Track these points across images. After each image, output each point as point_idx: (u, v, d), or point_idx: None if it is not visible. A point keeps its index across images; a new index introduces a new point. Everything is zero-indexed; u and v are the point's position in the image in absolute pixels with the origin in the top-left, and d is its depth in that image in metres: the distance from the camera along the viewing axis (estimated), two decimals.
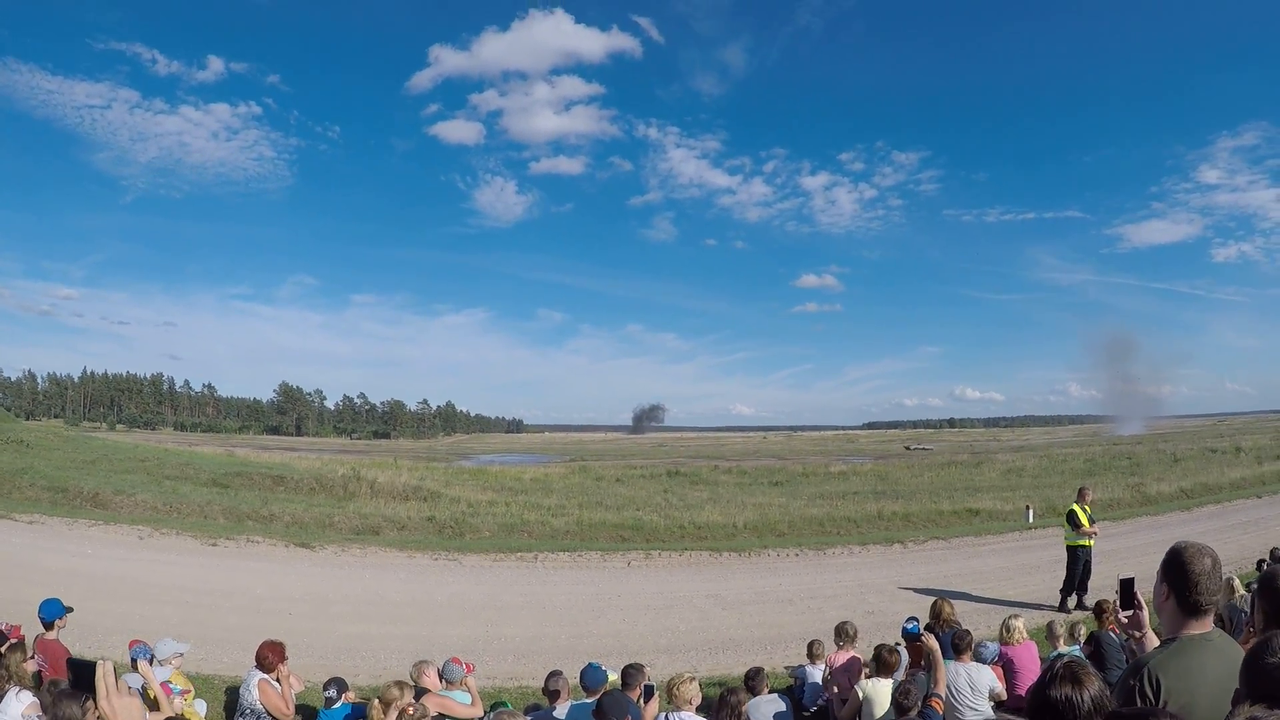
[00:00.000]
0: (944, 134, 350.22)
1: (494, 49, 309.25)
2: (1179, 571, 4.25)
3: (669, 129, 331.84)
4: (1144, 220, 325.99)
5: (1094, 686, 3.46)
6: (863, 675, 11.65)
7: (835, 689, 11.95)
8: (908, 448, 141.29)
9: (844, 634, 12.74)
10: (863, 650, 12.90)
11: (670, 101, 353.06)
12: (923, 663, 11.38)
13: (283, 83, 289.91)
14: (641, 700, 9.37)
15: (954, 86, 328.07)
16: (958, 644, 11.08)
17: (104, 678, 3.16)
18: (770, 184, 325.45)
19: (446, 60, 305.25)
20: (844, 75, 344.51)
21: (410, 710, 8.28)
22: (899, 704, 9.12)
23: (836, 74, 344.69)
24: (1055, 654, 11.99)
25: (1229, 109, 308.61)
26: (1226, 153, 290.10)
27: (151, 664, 10.15)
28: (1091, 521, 20.67)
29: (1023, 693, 11.84)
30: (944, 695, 9.72)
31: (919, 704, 9.07)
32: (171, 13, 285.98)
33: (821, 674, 12.83)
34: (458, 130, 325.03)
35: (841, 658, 12.34)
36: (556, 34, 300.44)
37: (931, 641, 10.21)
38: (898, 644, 12.18)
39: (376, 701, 9.14)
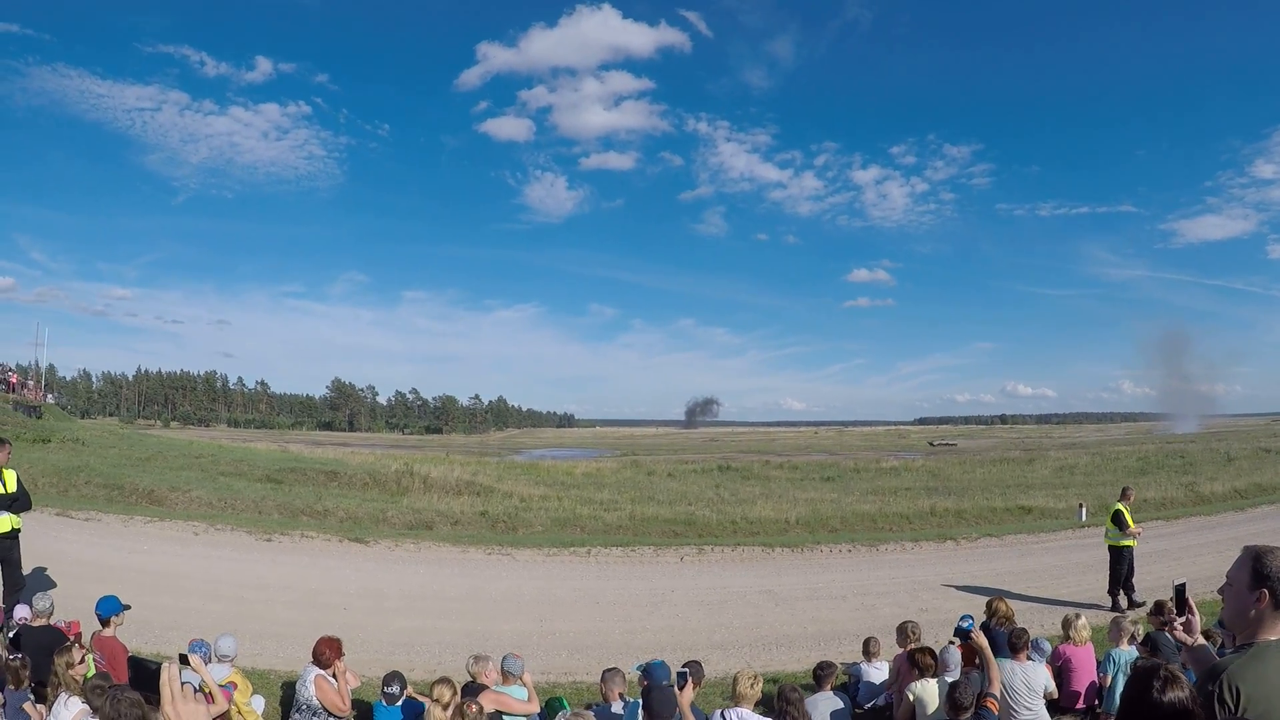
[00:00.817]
0: (996, 127, 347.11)
1: (542, 45, 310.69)
2: (1268, 576, 4.10)
3: (719, 123, 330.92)
4: (1198, 215, 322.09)
5: (1189, 690, 3.49)
6: (914, 675, 11.60)
7: (898, 688, 11.88)
8: (931, 444, 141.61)
9: (905, 633, 12.67)
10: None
11: (720, 95, 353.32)
12: (976, 661, 11.28)
13: (331, 82, 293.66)
14: (676, 687, 9.33)
15: (1005, 80, 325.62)
16: (1014, 642, 10.99)
17: (170, 682, 3.08)
18: (821, 178, 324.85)
19: (495, 57, 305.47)
20: (894, 68, 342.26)
21: (471, 708, 8.26)
22: (955, 702, 9.04)
23: (886, 66, 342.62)
24: (1109, 654, 11.90)
25: None
26: None
27: (209, 661, 10.21)
28: (1134, 522, 20.60)
29: (1079, 691, 11.74)
30: (998, 695, 9.63)
31: (974, 704, 8.98)
32: (218, 15, 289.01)
33: (878, 672, 12.78)
34: (507, 127, 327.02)
35: (906, 657, 12.26)
36: (604, 29, 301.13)
37: (981, 640, 10.12)
38: (951, 642, 12.07)
39: (432, 702, 9.13)
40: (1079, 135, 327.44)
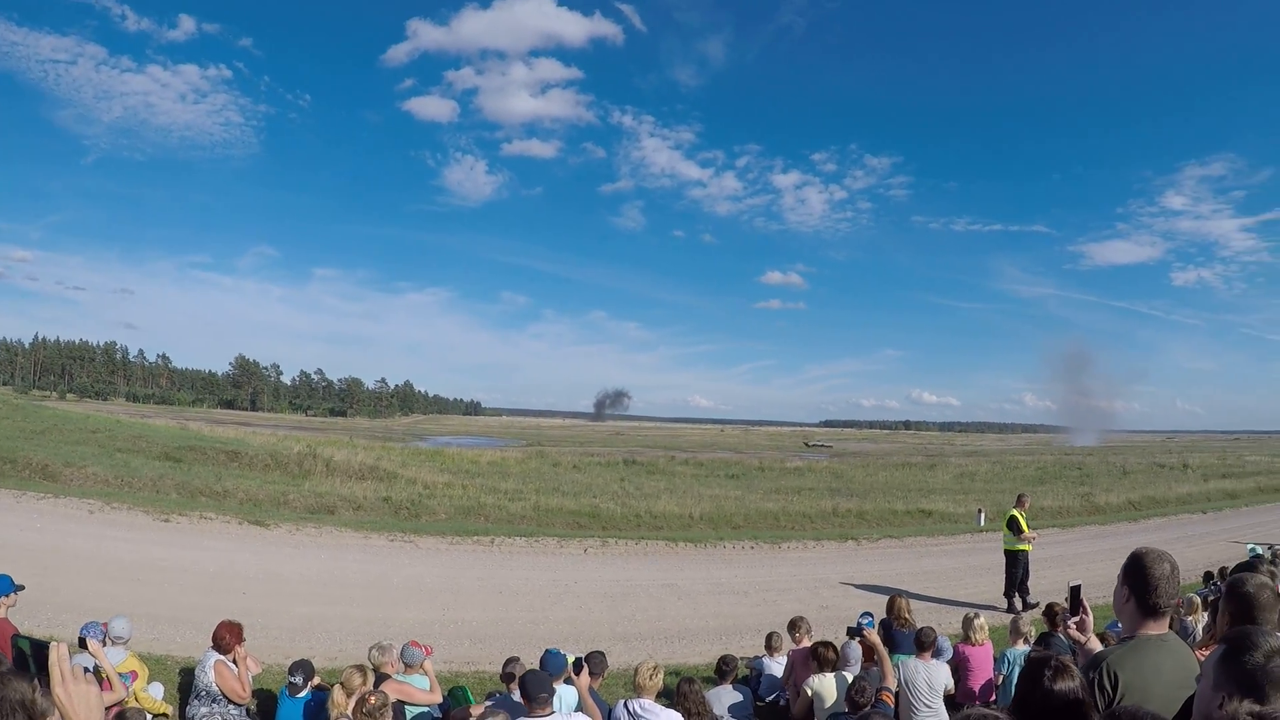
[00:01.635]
0: (917, 142, 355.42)
1: (474, 26, 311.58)
2: (1139, 575, 4.42)
3: (644, 117, 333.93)
4: (1108, 240, 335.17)
5: (1080, 679, 3.67)
6: (812, 670, 11.74)
7: (795, 682, 11.98)
8: (807, 444, 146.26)
9: (795, 627, 12.90)
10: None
11: (647, 90, 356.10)
12: (874, 657, 11.45)
13: (255, 47, 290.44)
14: (571, 671, 9.37)
15: (930, 95, 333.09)
16: (922, 641, 11.16)
17: (59, 662, 2.86)
18: (742, 179, 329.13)
19: (424, 35, 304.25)
20: (822, 76, 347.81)
21: (372, 699, 8.18)
22: (853, 700, 9.20)
23: (815, 74, 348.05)
24: (1005, 653, 12.14)
25: (1200, 138, 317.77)
26: (1194, 181, 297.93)
27: (104, 644, 10.01)
28: (1029, 528, 21.19)
29: (975, 689, 11.96)
30: (893, 688, 9.83)
31: (874, 699, 9.13)
32: None
33: (780, 666, 12.91)
34: (431, 106, 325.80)
35: (798, 652, 12.38)
36: (538, 15, 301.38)
37: (874, 638, 10.37)
38: (845, 642, 12.23)
39: (339, 688, 9.04)
40: (997, 155, 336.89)
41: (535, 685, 7.79)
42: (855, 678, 9.76)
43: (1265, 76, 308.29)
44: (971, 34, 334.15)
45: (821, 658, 10.89)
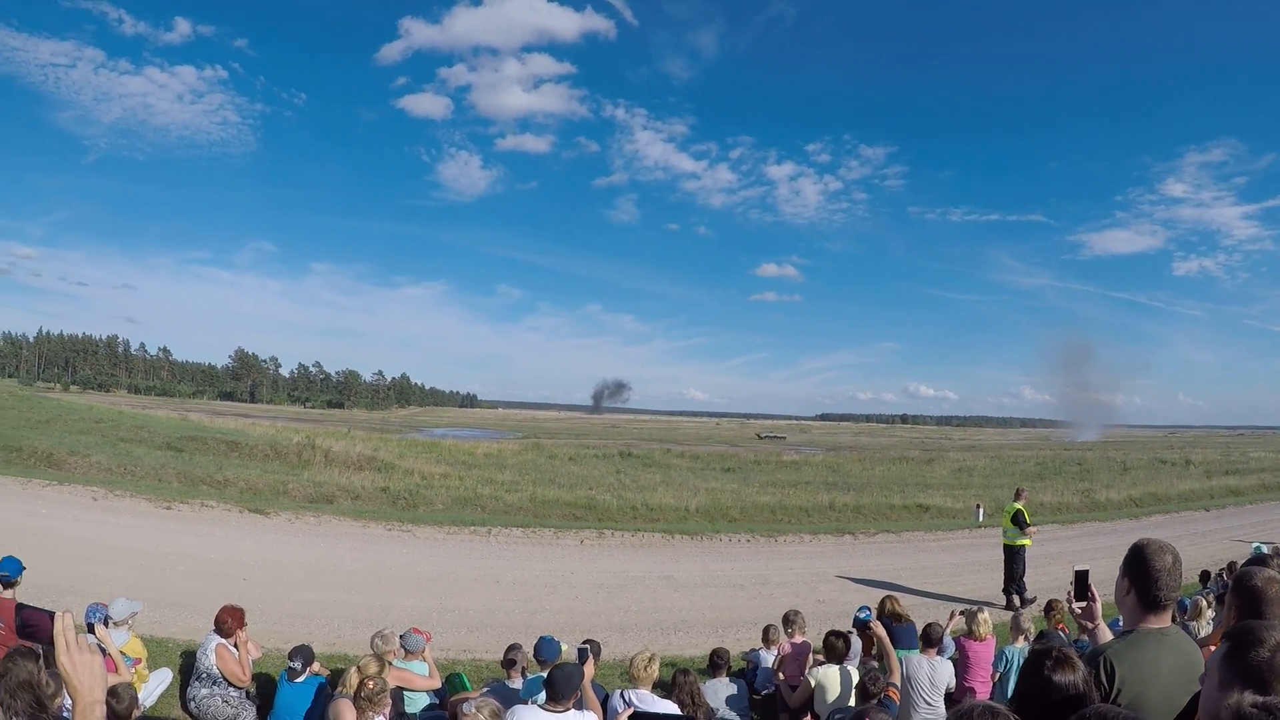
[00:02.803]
0: (912, 131, 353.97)
1: (466, 23, 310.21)
2: (1141, 567, 4.38)
3: (637, 110, 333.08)
4: (1107, 229, 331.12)
5: (1082, 671, 3.66)
6: (811, 662, 11.83)
7: (783, 676, 12.08)
8: (760, 436, 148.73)
9: (790, 621, 12.88)
10: (813, 637, 13.06)
11: (640, 83, 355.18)
12: (872, 650, 11.57)
13: (250, 47, 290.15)
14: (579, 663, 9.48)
15: (925, 84, 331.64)
16: (929, 636, 11.20)
17: (64, 631, 2.93)
18: (735, 171, 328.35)
19: (417, 33, 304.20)
20: (815, 66, 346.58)
21: (370, 684, 8.35)
22: (865, 689, 9.23)
23: (807, 64, 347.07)
24: (1004, 650, 12.18)
25: (1200, 124, 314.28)
26: (1194, 167, 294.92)
27: (106, 625, 10.18)
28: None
29: (972, 686, 12.01)
30: (899, 685, 9.87)
31: (882, 692, 9.21)
32: None
33: (772, 660, 12.96)
34: (425, 103, 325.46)
35: (791, 645, 12.48)
36: (529, 11, 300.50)
37: (880, 630, 10.34)
38: (849, 631, 12.33)
39: (355, 671, 9.18)
40: (993, 144, 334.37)
41: (565, 685, 7.83)
42: (868, 670, 9.79)
43: (1265, 59, 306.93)
44: (966, 21, 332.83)
45: (832, 648, 10.94)
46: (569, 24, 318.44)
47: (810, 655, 12.24)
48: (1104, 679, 4.07)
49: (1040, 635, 12.40)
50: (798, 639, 12.55)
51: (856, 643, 11.85)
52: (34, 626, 3.21)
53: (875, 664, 10.76)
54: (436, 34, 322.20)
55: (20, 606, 3.45)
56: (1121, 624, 4.77)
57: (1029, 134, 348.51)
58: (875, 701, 8.93)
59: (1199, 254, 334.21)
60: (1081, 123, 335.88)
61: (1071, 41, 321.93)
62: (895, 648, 10.65)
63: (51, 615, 3.02)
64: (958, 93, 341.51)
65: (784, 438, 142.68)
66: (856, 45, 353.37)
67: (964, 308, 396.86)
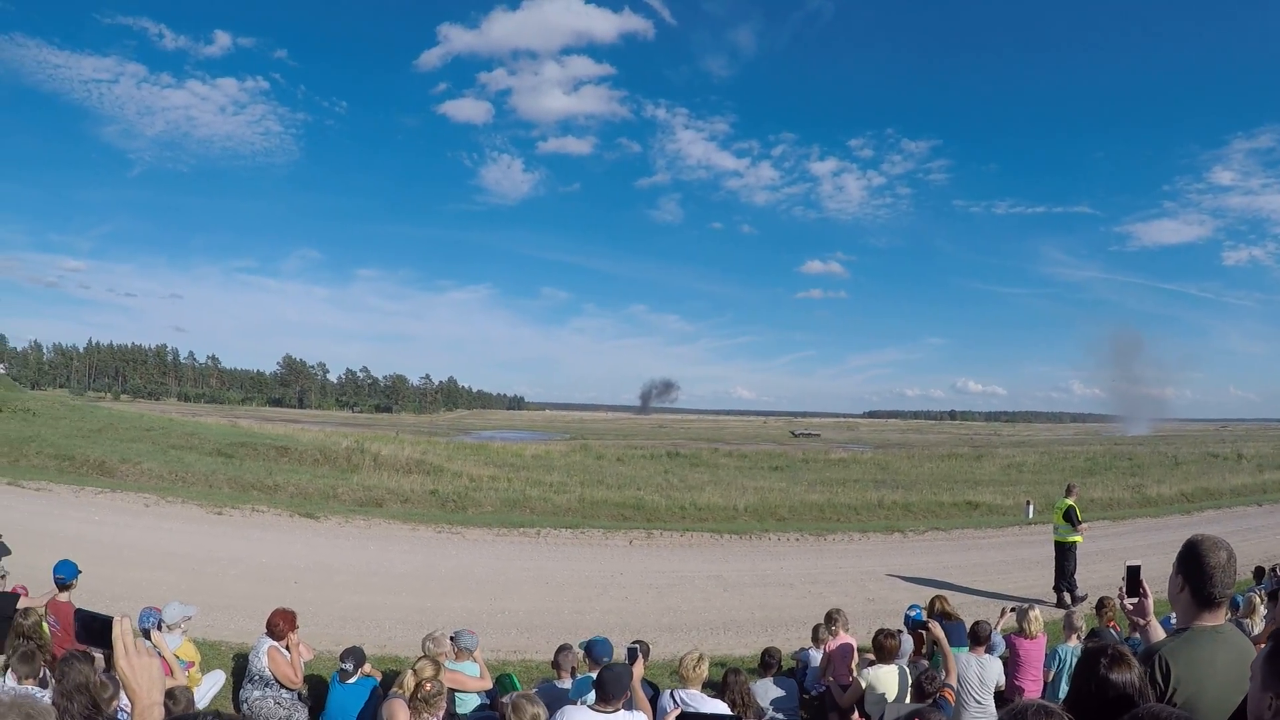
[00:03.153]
0: (955, 124, 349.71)
1: (504, 28, 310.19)
2: (1195, 563, 4.28)
3: (678, 110, 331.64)
4: (1154, 219, 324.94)
5: (1138, 669, 3.58)
6: (855, 660, 11.73)
7: (832, 677, 11.99)
8: (794, 434, 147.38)
9: (832, 620, 12.75)
10: (862, 636, 12.98)
11: (679, 83, 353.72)
12: (922, 650, 11.46)
13: (290, 58, 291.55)
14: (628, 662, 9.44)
15: (966, 77, 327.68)
16: (977, 634, 11.04)
17: (123, 635, 2.97)
18: (778, 168, 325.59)
19: (456, 39, 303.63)
20: (854, 61, 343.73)
21: (428, 686, 8.36)
22: (921, 688, 9.15)
23: (847, 59, 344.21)
24: (1056, 649, 12.03)
25: (1246, 109, 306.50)
26: (1241, 154, 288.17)
27: (160, 629, 10.27)
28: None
29: (1023, 685, 11.85)
30: (955, 686, 9.77)
31: (939, 692, 9.12)
32: None
33: (821, 665, 12.84)
34: (466, 109, 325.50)
35: (836, 644, 12.38)
36: (567, 14, 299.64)
37: (938, 630, 10.25)
38: (899, 630, 12.21)
39: (410, 673, 9.18)
40: (1038, 135, 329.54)
41: (615, 686, 7.80)
42: (924, 670, 9.70)
43: None
44: (1007, 12, 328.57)
45: (884, 647, 10.72)
46: (607, 25, 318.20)
47: (856, 653, 12.16)
48: (1159, 678, 4.00)
49: (1092, 633, 12.24)
50: (841, 638, 12.45)
51: (907, 641, 11.72)
52: (92, 631, 3.22)
53: (926, 662, 10.67)
54: (475, 39, 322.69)
55: (79, 611, 3.47)
56: (1175, 621, 4.69)
57: (1073, 124, 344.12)
58: (931, 701, 8.85)
59: (1248, 243, 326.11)
60: (1127, 111, 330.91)
61: (1115, 33, 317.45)
62: (956, 646, 10.56)
63: (110, 620, 3.03)
64: (1000, 83, 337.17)
65: (819, 434, 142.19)
66: (895, 39, 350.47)
67: (1011, 301, 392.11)
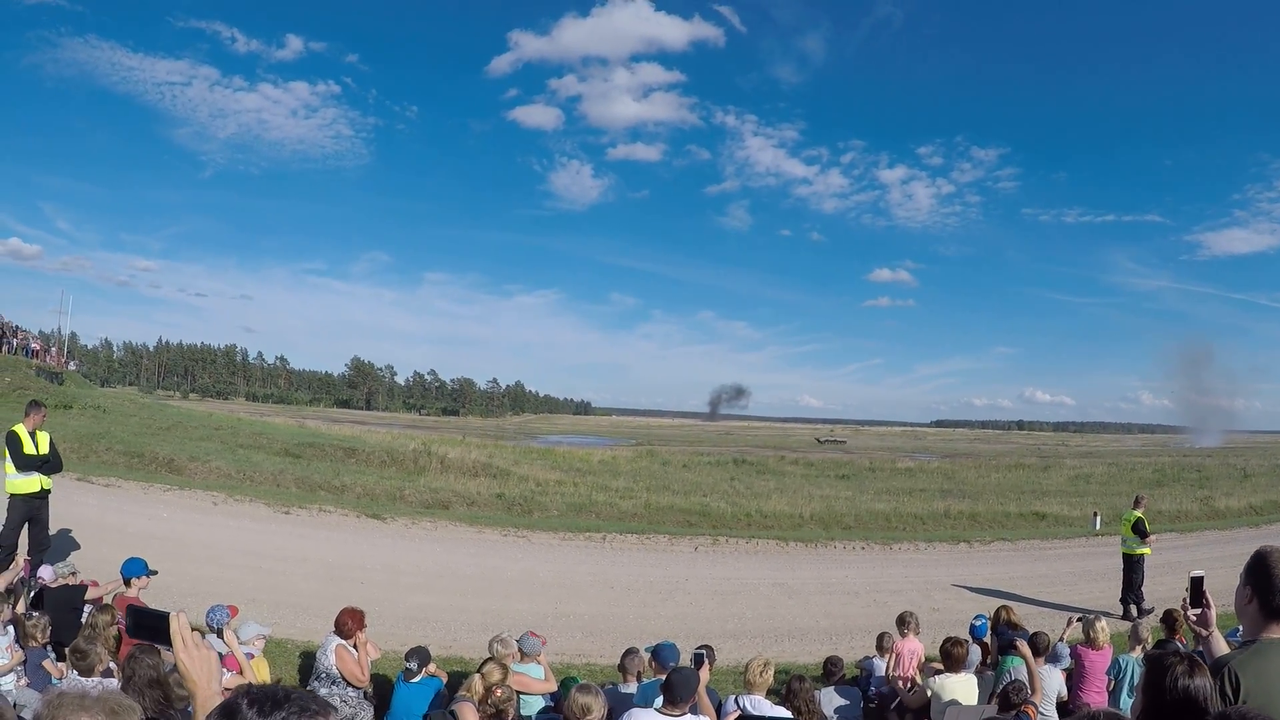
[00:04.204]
0: (1024, 132, 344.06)
1: (574, 34, 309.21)
2: (1263, 574, 4.25)
3: (747, 117, 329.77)
4: (1225, 228, 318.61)
5: (1207, 677, 3.54)
6: (926, 668, 11.63)
7: (901, 682, 11.89)
8: (819, 440, 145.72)
9: (904, 622, 12.75)
10: (925, 645, 12.90)
11: (749, 90, 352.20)
12: (987, 660, 11.31)
13: (361, 62, 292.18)
14: (694, 667, 9.40)
15: (1035, 85, 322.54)
16: (1036, 644, 10.87)
17: (180, 629, 3.04)
18: (847, 175, 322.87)
19: (526, 45, 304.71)
20: (924, 68, 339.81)
21: (499, 691, 8.36)
22: (1008, 699, 9.04)
23: (916, 66, 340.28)
24: (1118, 659, 11.84)
25: None
26: None
27: (224, 627, 10.35)
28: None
29: (1086, 696, 11.67)
30: (1038, 704, 9.63)
31: (1021, 706, 8.98)
32: None
33: (886, 664, 12.74)
34: (536, 115, 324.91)
35: (905, 646, 12.30)
36: (636, 21, 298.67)
37: (1026, 650, 10.17)
38: (966, 640, 12.08)
39: (479, 677, 9.17)
40: (1107, 143, 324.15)
41: (683, 688, 7.77)
42: (1011, 681, 9.59)
43: None
44: (1075, 19, 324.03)
45: (952, 655, 10.66)
46: (677, 33, 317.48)
47: (921, 658, 12.08)
48: (1229, 690, 3.96)
49: (1159, 644, 12.03)
50: (912, 641, 12.38)
51: (977, 652, 11.59)
52: (144, 626, 3.21)
53: (991, 673, 10.55)
54: (546, 45, 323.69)
55: (131, 607, 3.46)
56: (1242, 634, 4.63)
57: (1143, 132, 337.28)
58: (1014, 714, 8.76)
59: None
60: (1196, 119, 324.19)
61: (1184, 39, 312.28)
62: (1008, 656, 10.45)
63: (164, 615, 3.04)
64: (1069, 91, 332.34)
65: (844, 442, 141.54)
66: (964, 46, 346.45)
67: (1080, 311, 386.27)
